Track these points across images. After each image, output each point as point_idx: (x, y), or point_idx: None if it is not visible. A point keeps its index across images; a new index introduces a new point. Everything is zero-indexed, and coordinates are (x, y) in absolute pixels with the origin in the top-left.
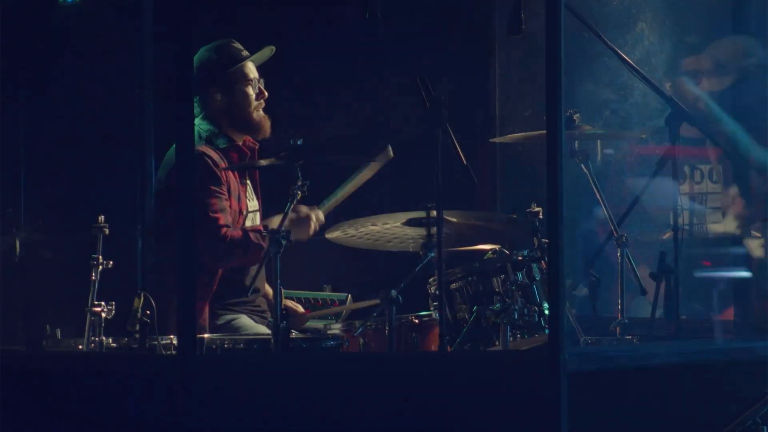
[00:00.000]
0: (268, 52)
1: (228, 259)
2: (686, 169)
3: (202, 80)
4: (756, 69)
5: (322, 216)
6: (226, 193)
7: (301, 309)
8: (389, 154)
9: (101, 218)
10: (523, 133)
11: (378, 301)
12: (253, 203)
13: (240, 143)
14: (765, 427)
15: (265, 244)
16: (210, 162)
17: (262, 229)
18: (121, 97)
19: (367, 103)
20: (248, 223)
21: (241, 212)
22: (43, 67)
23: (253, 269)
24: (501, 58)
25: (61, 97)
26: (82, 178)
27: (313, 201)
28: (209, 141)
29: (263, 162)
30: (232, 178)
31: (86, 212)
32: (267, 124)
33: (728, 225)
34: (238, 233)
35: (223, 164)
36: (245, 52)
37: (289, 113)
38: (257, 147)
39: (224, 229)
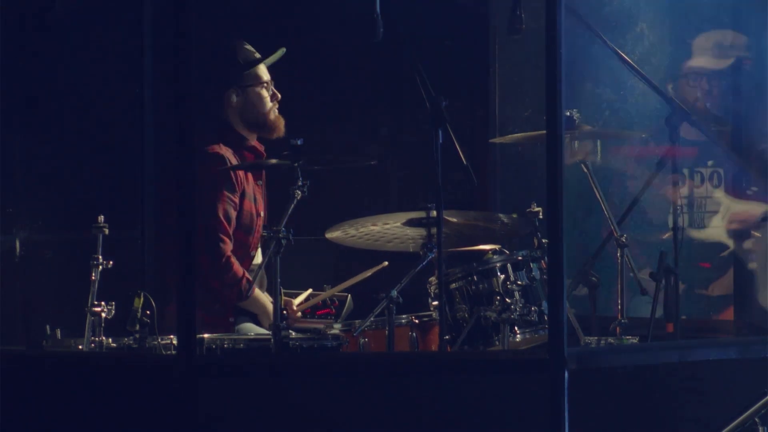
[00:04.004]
0: (279, 53)
1: (214, 265)
2: (685, 171)
3: (217, 82)
4: (739, 62)
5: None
6: (237, 200)
7: (295, 303)
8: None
9: (101, 218)
10: (523, 134)
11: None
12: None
13: (253, 143)
14: (764, 428)
15: (244, 293)
16: (228, 165)
17: (253, 286)
18: (121, 96)
19: (367, 104)
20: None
21: (259, 215)
22: (42, 66)
23: (253, 273)
24: (501, 58)
25: (61, 96)
26: (82, 178)
27: (314, 200)
28: (224, 140)
29: (262, 162)
30: (248, 180)
31: (86, 212)
32: (281, 125)
33: (712, 232)
34: (232, 259)
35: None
36: (257, 54)
37: (292, 114)
38: (263, 148)
39: (224, 237)
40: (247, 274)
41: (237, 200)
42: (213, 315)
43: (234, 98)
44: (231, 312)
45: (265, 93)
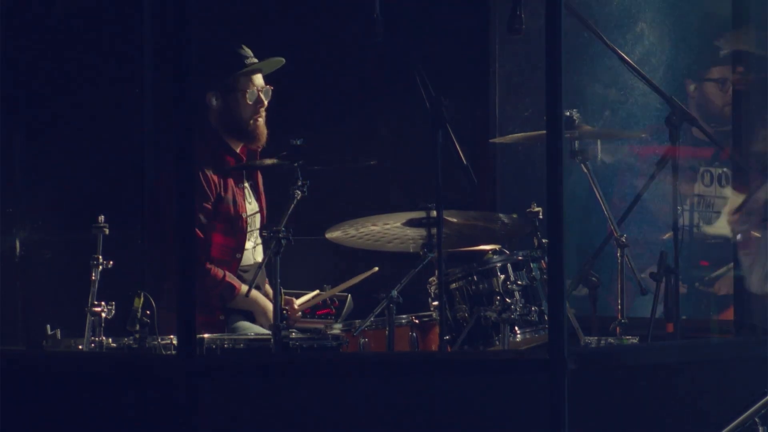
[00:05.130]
0: (276, 63)
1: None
2: (700, 170)
3: (199, 84)
4: (756, 60)
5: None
6: (211, 206)
7: (296, 302)
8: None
9: (101, 218)
10: (523, 134)
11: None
12: (252, 206)
13: (237, 149)
14: (764, 428)
15: (227, 295)
16: (200, 174)
17: (238, 287)
18: (121, 96)
19: (368, 104)
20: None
21: (239, 216)
22: (43, 66)
23: (251, 272)
24: (501, 58)
25: (61, 96)
26: (82, 178)
27: (314, 200)
28: (205, 142)
29: (263, 162)
30: (226, 184)
31: (86, 212)
32: (263, 134)
33: (721, 227)
34: (208, 264)
35: (212, 172)
36: (251, 60)
37: (292, 114)
38: (259, 149)
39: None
40: (229, 277)
41: (210, 206)
42: (202, 314)
43: (214, 101)
44: (221, 310)
45: (247, 100)
